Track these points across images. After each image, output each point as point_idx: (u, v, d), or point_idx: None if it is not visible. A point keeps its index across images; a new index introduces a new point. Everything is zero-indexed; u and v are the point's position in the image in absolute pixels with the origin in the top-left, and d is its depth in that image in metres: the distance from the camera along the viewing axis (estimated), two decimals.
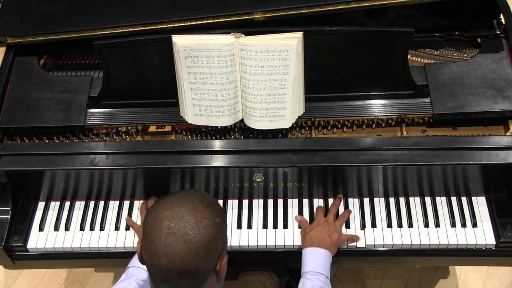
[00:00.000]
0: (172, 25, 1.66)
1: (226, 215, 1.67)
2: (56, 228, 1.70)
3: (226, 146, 1.61)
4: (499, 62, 1.66)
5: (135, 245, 1.65)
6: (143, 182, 1.68)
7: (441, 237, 1.61)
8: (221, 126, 1.67)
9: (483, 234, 1.61)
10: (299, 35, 1.50)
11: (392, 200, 1.69)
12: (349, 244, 1.62)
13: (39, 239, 1.68)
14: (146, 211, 1.56)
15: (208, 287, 1.21)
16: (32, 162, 1.61)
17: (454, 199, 1.68)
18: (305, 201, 1.71)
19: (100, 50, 1.59)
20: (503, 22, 1.77)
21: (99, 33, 1.68)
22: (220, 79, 1.54)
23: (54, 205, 1.74)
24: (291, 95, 1.54)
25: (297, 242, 1.63)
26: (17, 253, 1.69)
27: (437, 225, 1.63)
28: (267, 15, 1.65)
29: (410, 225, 1.64)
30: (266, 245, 1.64)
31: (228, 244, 1.61)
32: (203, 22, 1.66)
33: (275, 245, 1.64)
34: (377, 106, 1.64)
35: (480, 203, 1.66)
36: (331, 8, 1.63)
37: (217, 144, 1.61)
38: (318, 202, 1.70)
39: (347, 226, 1.65)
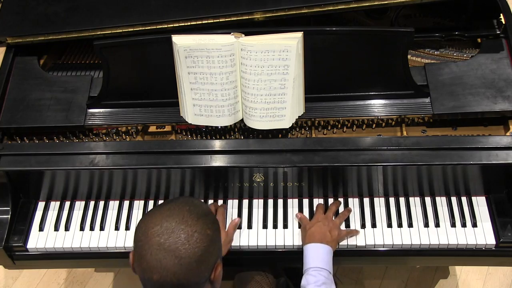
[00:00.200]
0: (172, 25, 1.66)
1: (226, 216, 1.67)
2: (56, 228, 1.70)
3: (226, 146, 1.61)
4: (499, 62, 1.66)
5: None
6: (143, 182, 1.68)
7: (441, 237, 1.61)
8: (221, 126, 1.67)
9: (483, 234, 1.61)
10: (299, 35, 1.50)
11: (392, 200, 1.69)
12: (349, 244, 1.62)
13: (39, 239, 1.68)
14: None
15: None
16: (32, 162, 1.61)
17: (454, 199, 1.68)
18: (305, 201, 1.71)
19: (100, 50, 1.59)
20: (503, 22, 1.77)
21: (99, 33, 1.68)
22: (220, 79, 1.54)
23: (54, 205, 1.74)
24: (291, 95, 1.54)
25: (297, 242, 1.63)
26: (17, 253, 1.69)
27: (437, 225, 1.63)
28: (267, 15, 1.65)
29: (410, 225, 1.64)
30: (266, 245, 1.64)
31: None
32: (203, 22, 1.66)
33: (275, 245, 1.64)
34: (377, 106, 1.64)
35: (480, 203, 1.66)
36: (331, 8, 1.63)
37: (217, 144, 1.61)
38: (318, 202, 1.70)
39: (347, 226, 1.65)
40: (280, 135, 1.65)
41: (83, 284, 2.47)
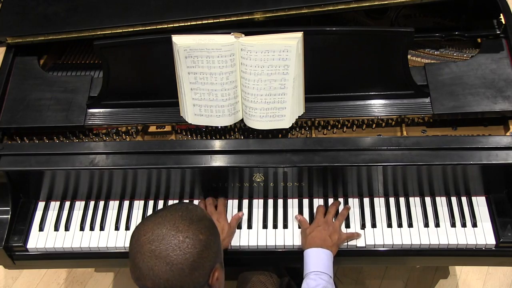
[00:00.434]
0: (172, 25, 1.66)
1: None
2: (56, 228, 1.70)
3: (226, 146, 1.61)
4: (499, 62, 1.66)
5: None
6: (143, 182, 1.68)
7: (441, 237, 1.61)
8: (221, 126, 1.67)
9: (483, 234, 1.61)
10: (299, 35, 1.50)
11: (392, 200, 1.69)
12: (349, 244, 1.62)
13: (39, 239, 1.68)
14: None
15: None
16: (32, 162, 1.61)
17: (454, 199, 1.68)
18: (305, 201, 1.71)
19: (100, 50, 1.59)
20: (503, 22, 1.77)
21: (99, 33, 1.68)
22: (220, 79, 1.54)
23: (54, 205, 1.74)
24: (291, 95, 1.54)
25: (297, 242, 1.63)
26: (17, 253, 1.69)
27: (437, 225, 1.63)
28: (267, 15, 1.65)
29: (410, 225, 1.64)
30: (266, 245, 1.64)
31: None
32: (203, 22, 1.66)
33: (275, 245, 1.64)
34: (377, 106, 1.64)
35: (480, 203, 1.66)
36: (331, 8, 1.63)
37: (217, 144, 1.61)
38: (318, 202, 1.70)
39: (347, 226, 1.65)
40: (280, 135, 1.65)
41: (83, 284, 2.48)
